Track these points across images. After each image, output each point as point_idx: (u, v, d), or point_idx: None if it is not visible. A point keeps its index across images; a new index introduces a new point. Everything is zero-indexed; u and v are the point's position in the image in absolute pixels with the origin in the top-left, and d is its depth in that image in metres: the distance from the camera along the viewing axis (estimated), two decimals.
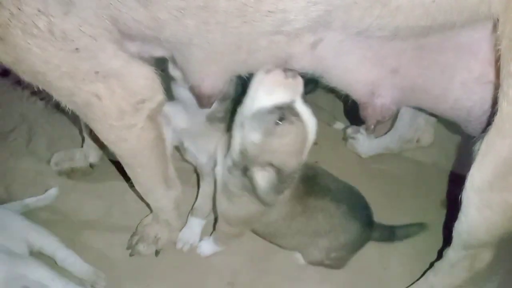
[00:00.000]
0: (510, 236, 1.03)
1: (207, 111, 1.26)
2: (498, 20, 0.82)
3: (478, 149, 0.92)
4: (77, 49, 0.87)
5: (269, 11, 0.84)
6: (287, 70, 1.00)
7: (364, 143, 1.82)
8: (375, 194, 1.66)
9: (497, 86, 0.92)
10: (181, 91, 1.21)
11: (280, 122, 0.99)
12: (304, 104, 1.02)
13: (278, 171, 1.04)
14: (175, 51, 1.00)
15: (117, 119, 1.01)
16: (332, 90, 1.16)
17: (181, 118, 1.33)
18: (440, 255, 1.28)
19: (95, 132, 1.07)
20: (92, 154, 1.67)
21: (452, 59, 0.98)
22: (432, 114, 1.40)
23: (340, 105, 1.99)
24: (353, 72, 1.04)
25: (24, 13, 0.80)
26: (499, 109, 0.86)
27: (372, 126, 1.15)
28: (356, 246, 1.41)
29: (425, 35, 0.93)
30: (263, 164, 1.04)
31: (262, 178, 1.05)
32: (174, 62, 1.06)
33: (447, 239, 1.16)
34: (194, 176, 1.60)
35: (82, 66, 0.90)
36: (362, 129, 1.84)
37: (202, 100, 1.12)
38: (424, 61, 1.00)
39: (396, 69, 1.02)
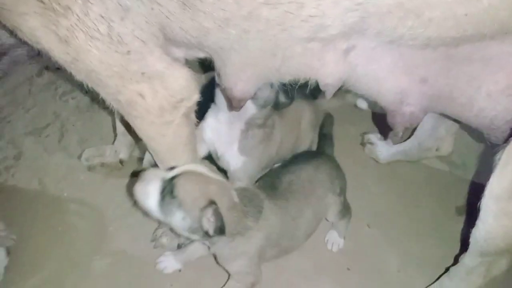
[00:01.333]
0: None
1: (246, 117, 1.34)
2: None
3: (499, 159, 0.95)
4: (129, 51, 0.94)
5: (309, 16, 0.88)
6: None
7: (383, 149, 1.83)
8: (391, 199, 1.74)
9: None
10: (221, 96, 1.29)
11: (171, 192, 1.11)
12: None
13: (214, 204, 1.11)
14: (215, 54, 1.06)
15: (158, 116, 1.07)
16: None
17: (213, 129, 1.42)
18: (456, 261, 1.30)
19: (135, 129, 1.13)
20: (123, 150, 1.73)
21: (479, 70, 1.01)
22: (455, 121, 1.42)
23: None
24: (384, 80, 1.08)
25: (89, 17, 0.87)
26: None
27: (400, 134, 1.18)
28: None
29: (455, 45, 0.96)
30: (201, 213, 1.12)
31: (207, 220, 1.12)
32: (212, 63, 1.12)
33: (464, 246, 1.18)
34: None
35: (131, 67, 0.97)
36: (379, 135, 1.88)
37: (232, 103, 1.17)
38: (452, 71, 1.03)
39: (426, 78, 1.06)
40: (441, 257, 1.49)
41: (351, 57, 1.03)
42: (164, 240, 1.50)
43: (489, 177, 1.00)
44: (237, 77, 1.09)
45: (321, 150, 1.62)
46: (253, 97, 1.25)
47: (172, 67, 1.03)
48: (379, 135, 1.88)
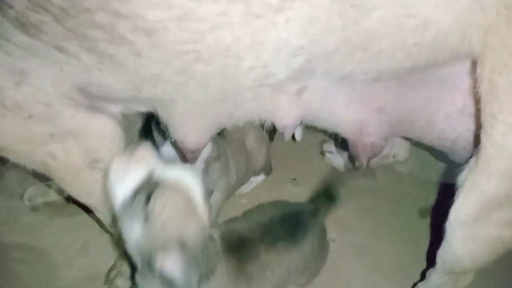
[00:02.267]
0: None
1: (204, 156, 1.28)
2: (477, 60, 0.83)
3: (463, 184, 0.93)
4: (30, 116, 0.85)
5: (250, 68, 0.83)
6: (128, 149, 0.94)
7: (342, 157, 1.83)
8: (354, 208, 1.71)
9: (478, 119, 0.93)
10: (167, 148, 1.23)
11: (147, 198, 0.87)
12: (166, 166, 0.92)
13: (183, 246, 0.87)
14: (156, 106, 0.98)
15: (76, 176, 0.99)
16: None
17: None
18: (423, 276, 1.30)
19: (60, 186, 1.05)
20: None
21: (435, 92, 0.99)
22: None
23: None
24: (341, 114, 1.05)
25: None
26: (482, 149, 0.86)
27: (365, 163, 1.16)
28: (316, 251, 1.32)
29: (408, 74, 0.94)
30: (163, 247, 0.87)
31: (172, 265, 0.86)
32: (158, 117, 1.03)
33: (430, 260, 1.18)
34: None
35: (37, 130, 0.88)
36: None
37: (186, 155, 1.10)
38: (408, 96, 1.01)
39: (382, 107, 1.03)
40: (407, 266, 1.49)
41: (304, 96, 0.99)
42: (118, 282, 1.42)
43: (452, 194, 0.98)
44: (187, 127, 1.01)
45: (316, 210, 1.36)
46: None
47: (90, 122, 0.92)
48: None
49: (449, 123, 1.01)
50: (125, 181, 0.89)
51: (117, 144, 1.00)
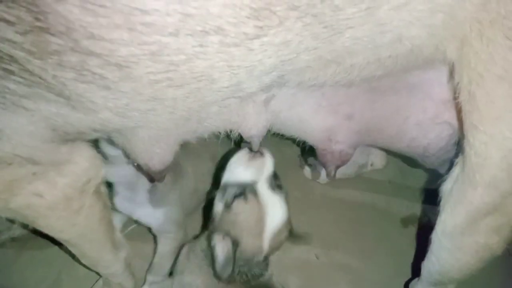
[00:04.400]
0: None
1: None
2: (454, 68, 0.82)
3: (449, 194, 0.92)
4: (10, 164, 0.81)
5: (222, 87, 0.81)
6: (255, 151, 1.06)
7: (320, 169, 1.79)
8: (335, 221, 1.69)
9: (451, 125, 0.94)
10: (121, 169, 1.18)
11: (237, 198, 1.03)
12: (268, 187, 1.06)
13: (235, 244, 1.04)
14: (116, 135, 0.94)
15: (65, 208, 0.94)
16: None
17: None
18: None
19: (37, 228, 0.99)
20: None
21: (405, 99, 0.99)
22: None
23: None
24: (309, 121, 1.04)
25: None
26: (467, 159, 0.85)
27: (333, 172, 1.15)
28: None
29: (379, 81, 0.93)
30: (223, 233, 1.05)
31: (221, 249, 1.05)
32: (112, 143, 1.01)
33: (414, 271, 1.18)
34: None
35: (18, 173, 0.84)
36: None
37: (153, 176, 1.08)
38: (377, 103, 1.00)
39: (351, 115, 1.03)
40: (392, 277, 1.46)
41: (272, 105, 0.98)
42: None
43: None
44: (151, 151, 0.98)
45: None
46: None
47: (69, 154, 0.90)
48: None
49: (419, 131, 1.01)
50: (236, 170, 1.07)
51: (99, 162, 0.99)
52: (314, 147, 1.11)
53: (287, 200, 1.12)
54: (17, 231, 1.53)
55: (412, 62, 0.84)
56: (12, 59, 0.67)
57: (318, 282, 1.51)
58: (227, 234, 1.05)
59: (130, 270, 1.34)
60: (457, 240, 0.95)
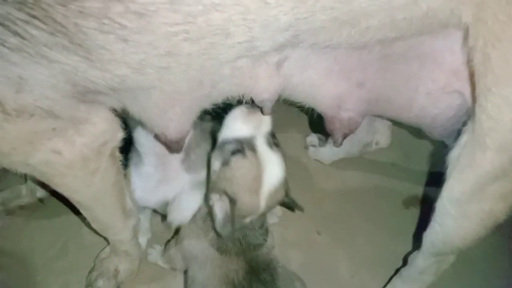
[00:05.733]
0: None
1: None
2: (468, 32, 0.82)
3: (456, 162, 0.92)
4: (31, 115, 0.81)
5: (237, 43, 0.80)
6: (252, 106, 1.05)
7: (325, 150, 1.81)
8: (339, 201, 1.71)
9: (461, 94, 0.93)
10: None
11: (236, 154, 1.03)
12: (266, 143, 1.06)
13: (232, 202, 1.04)
14: (131, 101, 0.94)
15: (81, 168, 0.96)
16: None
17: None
18: (405, 262, 1.28)
19: (53, 187, 1.00)
20: (40, 188, 1.56)
21: (416, 69, 0.98)
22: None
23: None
24: (320, 86, 1.03)
25: None
26: (477, 123, 0.84)
27: (340, 140, 1.13)
28: None
29: (391, 45, 0.92)
30: (220, 192, 1.05)
31: (220, 208, 1.05)
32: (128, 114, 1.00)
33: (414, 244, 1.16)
34: None
35: (39, 127, 0.85)
36: (320, 136, 1.85)
37: (171, 147, 1.07)
38: (389, 72, 0.99)
39: (362, 82, 1.02)
40: (393, 257, 1.47)
41: (284, 68, 0.96)
42: (100, 283, 1.37)
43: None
44: (167, 118, 0.97)
45: None
46: None
47: (88, 113, 0.91)
48: (320, 136, 1.85)
49: (429, 101, 1.00)
50: (234, 126, 1.07)
51: (117, 125, 1.00)
52: (323, 115, 1.11)
53: (284, 159, 1.12)
54: (25, 199, 1.57)
55: (426, 25, 0.84)
56: (36, 3, 0.68)
57: (320, 257, 1.53)
58: (224, 192, 1.05)
59: (137, 239, 1.37)
60: (463, 207, 0.95)
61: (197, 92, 0.93)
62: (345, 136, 1.12)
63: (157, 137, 1.05)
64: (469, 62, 0.83)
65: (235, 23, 0.76)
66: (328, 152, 1.81)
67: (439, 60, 0.94)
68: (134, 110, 0.95)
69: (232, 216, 1.04)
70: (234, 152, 1.03)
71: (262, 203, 1.07)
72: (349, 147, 1.77)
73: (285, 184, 1.12)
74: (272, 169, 1.06)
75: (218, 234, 1.07)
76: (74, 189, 1.02)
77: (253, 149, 1.04)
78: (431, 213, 1.05)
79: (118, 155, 1.09)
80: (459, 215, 0.96)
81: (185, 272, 1.31)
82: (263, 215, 1.17)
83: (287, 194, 1.16)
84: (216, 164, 1.09)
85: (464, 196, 0.93)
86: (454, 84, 0.95)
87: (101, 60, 0.77)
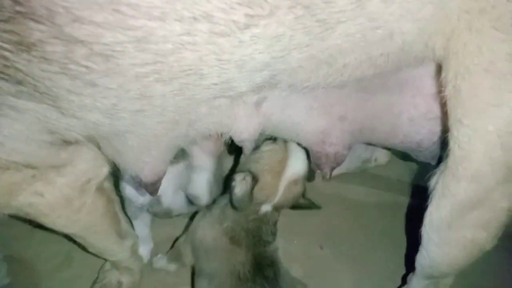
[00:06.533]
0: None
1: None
2: (441, 65, 0.82)
3: (434, 189, 0.93)
4: (7, 168, 0.82)
5: (212, 84, 0.80)
6: None
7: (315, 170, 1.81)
8: (342, 216, 1.71)
9: (445, 122, 0.92)
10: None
11: (266, 140, 1.18)
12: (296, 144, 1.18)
13: (255, 179, 1.15)
14: (105, 144, 0.93)
15: (65, 207, 0.96)
16: None
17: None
18: (404, 281, 1.29)
19: (43, 224, 1.01)
20: None
21: (397, 96, 0.98)
22: None
23: None
24: (301, 124, 1.04)
25: None
26: (451, 153, 0.85)
27: (328, 173, 1.14)
28: None
29: (370, 80, 0.93)
30: (245, 172, 1.16)
31: (240, 184, 1.14)
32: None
33: (409, 265, 1.18)
34: None
35: (16, 179, 0.85)
36: None
37: (146, 189, 1.06)
38: (369, 102, 1.00)
39: (344, 115, 1.02)
40: (396, 273, 1.47)
41: (263, 108, 0.97)
42: None
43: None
44: (141, 161, 0.97)
45: None
46: None
47: (70, 155, 0.91)
48: None
49: (412, 127, 1.00)
50: None
51: (102, 161, 0.99)
52: (308, 150, 1.12)
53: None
54: None
55: (403, 60, 0.85)
56: None
57: (321, 272, 1.53)
58: (248, 171, 1.16)
59: (137, 255, 1.39)
60: (444, 234, 0.95)
61: (173, 132, 0.92)
62: (332, 169, 1.13)
63: (131, 179, 1.05)
64: (441, 93, 0.83)
65: (208, 64, 0.75)
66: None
67: (419, 86, 0.95)
68: (108, 153, 0.95)
69: (251, 192, 1.14)
70: (266, 138, 1.16)
71: (280, 189, 1.18)
72: (349, 163, 1.74)
73: (304, 182, 1.21)
74: (297, 159, 1.19)
75: (233, 206, 1.15)
76: (61, 226, 1.02)
77: (285, 141, 1.18)
78: None
79: (108, 186, 1.09)
80: (441, 242, 0.97)
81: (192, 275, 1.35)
82: (278, 209, 1.24)
83: (304, 195, 1.25)
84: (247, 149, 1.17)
85: (442, 223, 0.93)
86: (436, 109, 0.95)
87: (71, 106, 0.75)
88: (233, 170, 1.33)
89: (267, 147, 1.20)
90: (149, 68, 0.72)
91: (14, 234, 1.56)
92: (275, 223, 1.26)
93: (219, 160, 1.39)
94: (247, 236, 1.20)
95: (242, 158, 1.23)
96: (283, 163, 1.18)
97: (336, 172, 1.75)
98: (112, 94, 0.75)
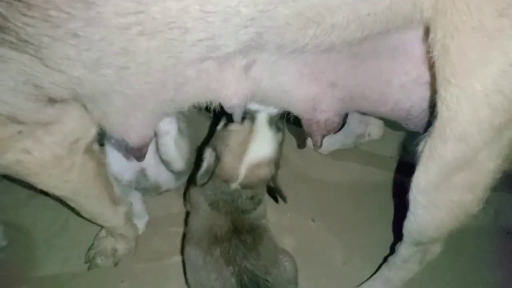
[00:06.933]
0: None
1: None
2: (429, 26, 0.82)
3: (422, 152, 0.93)
4: None
5: (197, 40, 0.79)
6: None
7: (306, 137, 1.80)
8: (334, 190, 1.74)
9: (434, 86, 0.92)
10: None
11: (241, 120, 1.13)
12: (267, 121, 1.16)
13: (217, 158, 1.16)
14: (91, 103, 0.92)
15: (55, 166, 0.95)
16: None
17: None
18: (392, 250, 1.30)
19: (33, 184, 1.00)
20: None
21: (387, 62, 0.98)
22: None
23: None
24: (292, 90, 1.03)
25: None
26: (438, 114, 0.85)
27: (319, 141, 1.14)
28: None
29: (359, 43, 0.92)
30: (212, 148, 1.19)
31: (207, 162, 1.18)
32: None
33: (398, 234, 1.17)
34: None
35: (3, 134, 0.84)
36: None
37: (132, 154, 1.06)
38: (360, 69, 1.00)
39: (334, 82, 1.02)
40: (385, 246, 1.49)
41: (252, 72, 0.95)
42: (98, 260, 1.44)
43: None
44: (127, 124, 0.96)
45: None
46: None
47: (57, 116, 0.89)
48: None
49: (403, 94, 1.00)
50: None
51: (89, 122, 0.98)
52: (299, 117, 1.11)
53: (282, 144, 1.22)
54: None
55: (391, 21, 0.84)
56: None
57: (313, 244, 1.57)
58: (214, 149, 1.17)
59: (131, 223, 1.41)
60: (432, 196, 0.95)
61: (160, 95, 0.91)
62: (324, 137, 1.13)
63: (117, 143, 1.04)
64: (429, 54, 0.83)
65: (192, 16, 0.74)
66: (324, 143, 1.81)
67: (410, 51, 0.94)
68: (95, 115, 0.94)
69: (213, 170, 1.15)
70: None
71: (242, 172, 1.17)
72: (344, 138, 1.79)
73: (273, 167, 1.19)
74: (261, 143, 1.16)
75: (195, 181, 1.18)
76: (52, 186, 1.01)
77: (252, 119, 1.15)
78: None
79: (97, 148, 1.09)
80: (429, 205, 0.97)
81: (182, 252, 1.38)
82: (248, 188, 1.24)
83: (273, 180, 1.22)
84: (220, 124, 1.22)
85: (430, 185, 0.93)
86: (425, 75, 0.95)
87: (54, 59, 0.74)
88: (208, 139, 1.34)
89: (232, 126, 1.17)
90: (131, 18, 0.72)
91: (12, 201, 1.59)
92: (252, 198, 1.26)
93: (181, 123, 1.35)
94: (225, 204, 1.24)
95: (215, 134, 1.23)
96: (244, 145, 1.16)
97: (330, 148, 1.82)
98: (95, 46, 0.74)
